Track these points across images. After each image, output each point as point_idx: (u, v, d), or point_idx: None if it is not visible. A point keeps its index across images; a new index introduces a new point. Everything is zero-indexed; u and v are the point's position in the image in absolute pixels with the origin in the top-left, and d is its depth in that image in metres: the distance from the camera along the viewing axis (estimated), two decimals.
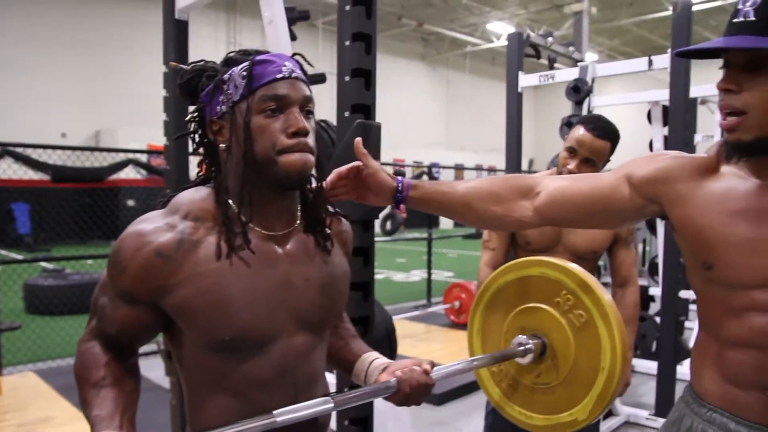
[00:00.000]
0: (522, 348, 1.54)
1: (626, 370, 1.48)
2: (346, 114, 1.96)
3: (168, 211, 1.08)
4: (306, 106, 1.09)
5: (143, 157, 8.38)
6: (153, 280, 1.03)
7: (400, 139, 22.07)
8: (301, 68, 1.13)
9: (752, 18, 0.98)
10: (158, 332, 1.14)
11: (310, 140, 1.08)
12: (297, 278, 1.12)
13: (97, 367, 1.09)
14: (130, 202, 13.36)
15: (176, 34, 2.57)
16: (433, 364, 1.25)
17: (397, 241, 16.12)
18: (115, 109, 16.16)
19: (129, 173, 8.90)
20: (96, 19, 16.29)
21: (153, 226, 1.05)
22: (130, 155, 6.69)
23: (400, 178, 1.30)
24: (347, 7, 1.95)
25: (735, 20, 1.01)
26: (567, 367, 1.51)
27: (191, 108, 1.16)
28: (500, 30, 20.32)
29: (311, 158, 1.08)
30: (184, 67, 1.16)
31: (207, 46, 17.39)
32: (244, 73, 1.06)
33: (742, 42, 1.00)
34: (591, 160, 2.08)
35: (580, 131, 2.08)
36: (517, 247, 2.31)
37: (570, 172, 2.08)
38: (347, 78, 1.97)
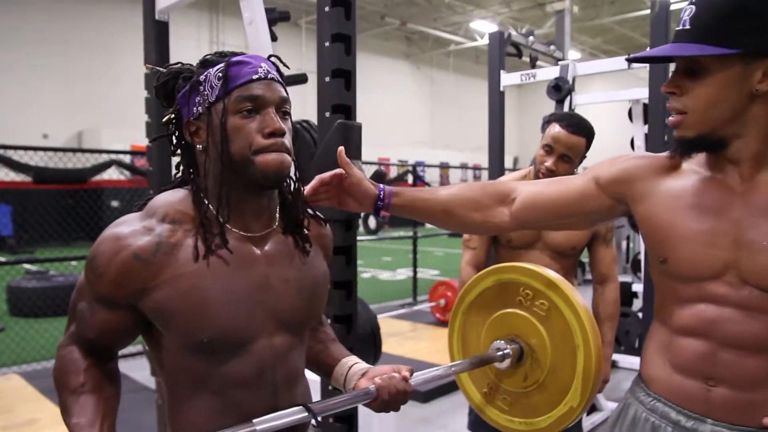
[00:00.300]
0: (500, 353, 1.58)
1: (604, 365, 1.52)
2: (327, 114, 1.98)
3: (145, 214, 1.08)
4: (282, 106, 1.09)
5: (126, 158, 8.33)
6: (131, 284, 1.03)
7: (384, 138, 22.09)
8: (278, 69, 1.14)
9: (688, 27, 1.05)
10: (137, 335, 1.14)
11: (287, 140, 1.08)
12: (276, 279, 1.12)
13: (77, 373, 1.09)
14: (114, 203, 13.26)
15: (157, 35, 2.57)
16: (411, 371, 1.27)
17: (383, 240, 16.14)
18: (97, 110, 16.03)
19: (112, 174, 8.84)
20: (77, 19, 16.15)
21: (130, 230, 1.04)
22: (113, 156, 6.65)
23: (381, 186, 1.33)
24: (326, 8, 1.97)
25: (677, 28, 1.08)
26: (547, 359, 1.55)
27: (169, 110, 1.16)
28: (483, 28, 20.40)
29: (288, 158, 1.08)
30: (161, 69, 1.16)
31: (190, 46, 17.29)
32: (220, 74, 1.06)
33: (670, 50, 1.08)
34: (567, 157, 2.12)
35: (555, 129, 2.12)
36: (498, 245, 2.33)
37: (548, 169, 2.12)
38: (327, 78, 1.99)
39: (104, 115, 15.93)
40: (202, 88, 1.08)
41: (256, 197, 1.11)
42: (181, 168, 1.18)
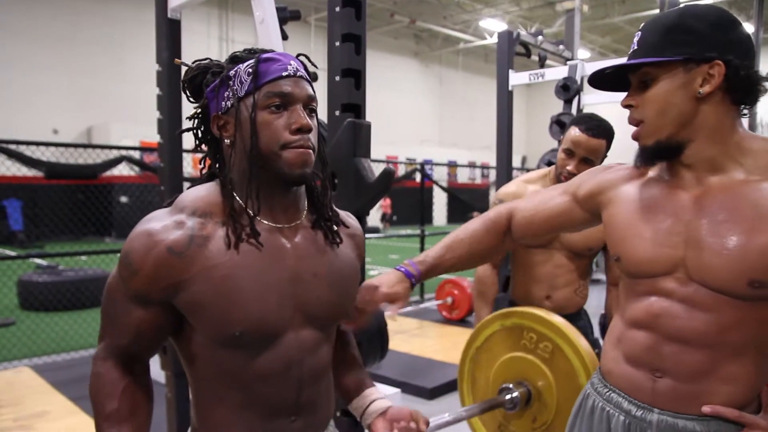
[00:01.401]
0: (508, 396, 1.66)
1: None
2: (337, 113, 2.00)
3: (173, 209, 1.09)
4: (309, 104, 1.11)
5: (136, 154, 8.38)
6: (167, 278, 1.04)
7: (393, 136, 22.10)
8: (305, 68, 1.16)
9: (635, 47, 1.20)
10: (169, 334, 1.15)
11: (313, 137, 1.10)
12: (305, 272, 1.13)
13: (111, 396, 1.10)
14: (124, 199, 13.34)
15: (169, 33, 2.59)
16: (427, 423, 1.32)
17: (391, 238, 16.17)
18: (107, 106, 16.13)
19: (122, 170, 8.90)
20: (88, 16, 16.25)
21: (161, 225, 1.06)
22: (124, 152, 6.71)
23: (408, 272, 1.48)
24: (337, 9, 1.99)
25: (630, 53, 1.22)
26: (554, 401, 1.62)
27: (195, 104, 1.18)
28: (493, 27, 20.37)
29: (312, 155, 1.10)
30: (189, 64, 1.18)
31: (199, 42, 17.37)
32: (250, 70, 1.08)
33: (617, 64, 1.21)
34: (588, 159, 2.12)
35: (575, 132, 2.12)
36: None
37: (569, 173, 2.13)
38: (338, 78, 2.01)
39: (113, 111, 16.02)
40: (231, 82, 1.09)
41: (283, 191, 1.12)
42: (207, 162, 1.20)
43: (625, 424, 1.25)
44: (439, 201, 20.03)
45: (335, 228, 1.22)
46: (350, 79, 2.00)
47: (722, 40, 1.12)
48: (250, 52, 1.13)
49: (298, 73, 1.11)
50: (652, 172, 1.29)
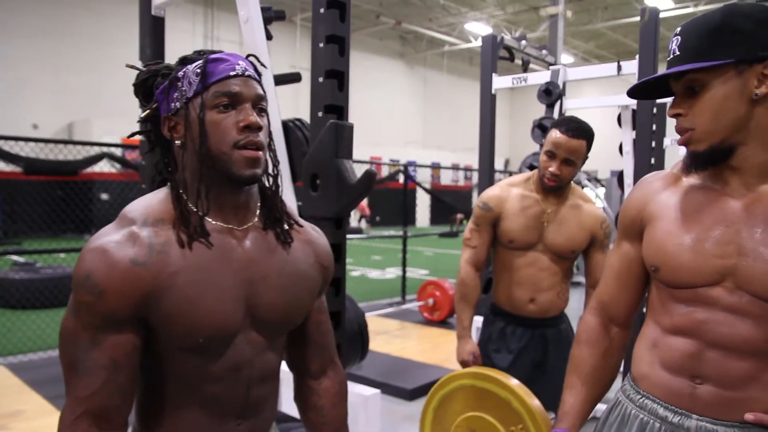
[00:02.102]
0: None
1: None
2: (320, 114, 2.01)
3: (121, 223, 1.06)
4: (259, 103, 1.10)
5: (118, 151, 8.30)
6: (137, 292, 1.00)
7: (376, 137, 22.11)
8: (255, 69, 1.15)
9: (678, 53, 1.13)
10: (139, 363, 1.07)
11: (262, 136, 1.09)
12: (256, 275, 1.12)
13: None
14: (104, 196, 13.21)
15: (152, 30, 2.59)
16: None
17: (373, 239, 16.18)
18: (89, 101, 15.96)
19: (103, 167, 8.82)
20: (72, 10, 16.08)
21: (116, 241, 1.02)
22: (105, 149, 6.64)
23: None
24: (321, 10, 2.00)
25: (668, 59, 1.16)
26: None
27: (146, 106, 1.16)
28: (478, 30, 20.46)
29: (262, 155, 1.09)
30: (139, 67, 1.18)
31: (184, 40, 17.26)
32: (198, 70, 1.07)
33: (665, 72, 1.15)
34: (570, 160, 2.17)
35: (555, 134, 2.16)
36: (498, 245, 2.37)
37: (552, 174, 2.18)
38: (321, 79, 2.01)
39: (95, 106, 15.86)
40: (180, 84, 1.09)
41: (234, 192, 1.11)
42: (159, 166, 1.17)
43: (660, 431, 1.21)
44: (423, 202, 20.05)
45: (286, 228, 1.20)
46: (333, 81, 2.00)
47: None
48: (200, 54, 1.12)
49: (247, 73, 1.10)
50: (691, 179, 1.24)
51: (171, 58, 1.24)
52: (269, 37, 2.29)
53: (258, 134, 1.08)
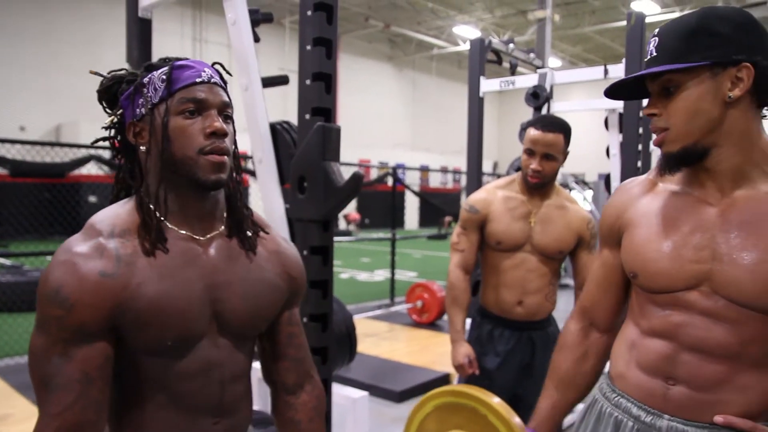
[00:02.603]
0: None
1: None
2: (307, 117, 2.01)
3: (87, 235, 1.06)
4: (224, 110, 1.11)
5: (106, 153, 8.24)
6: (107, 303, 1.01)
7: (365, 140, 22.13)
8: (220, 76, 1.16)
9: (655, 54, 1.15)
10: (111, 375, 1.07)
11: (228, 142, 1.10)
12: (220, 282, 1.13)
13: None
14: (92, 198, 13.12)
15: (139, 32, 2.58)
16: None
17: (362, 241, 16.17)
18: (76, 103, 15.84)
19: (91, 169, 8.76)
20: (61, 12, 15.97)
21: (83, 253, 1.02)
22: (92, 151, 6.61)
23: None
24: (309, 13, 2.00)
25: (646, 60, 1.18)
26: None
27: (110, 113, 1.17)
28: (466, 34, 20.52)
29: (227, 160, 1.10)
30: (102, 74, 1.18)
31: (173, 42, 17.20)
32: (164, 77, 1.08)
33: (641, 73, 1.16)
34: (549, 155, 2.22)
35: (532, 131, 2.23)
36: (486, 247, 2.39)
37: (534, 171, 2.23)
38: (308, 82, 2.02)
39: (83, 108, 15.74)
40: (145, 90, 1.10)
41: (198, 198, 1.12)
42: (123, 173, 1.18)
43: (633, 430, 1.23)
44: (411, 205, 20.10)
45: (250, 235, 1.20)
46: (321, 83, 2.01)
47: (748, 42, 1.08)
48: (165, 61, 1.13)
49: (212, 80, 1.11)
50: (668, 184, 1.26)
51: None
52: (257, 39, 2.30)
53: (224, 140, 1.09)
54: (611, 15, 18.82)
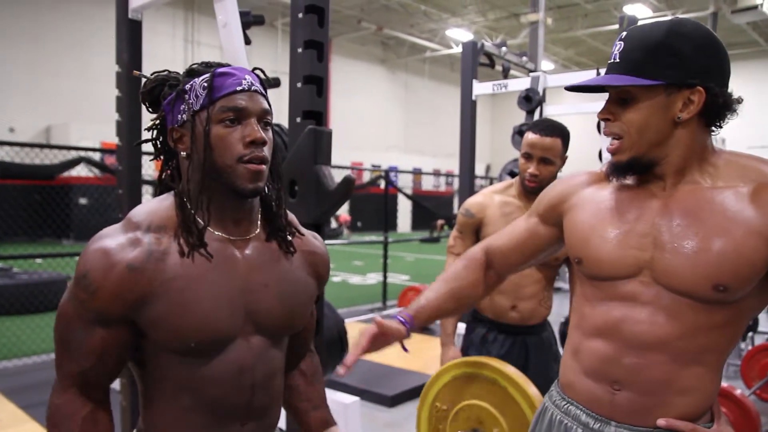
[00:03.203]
0: None
1: None
2: (298, 120, 2.00)
3: (126, 226, 1.10)
4: (264, 118, 1.13)
5: (96, 155, 8.19)
6: (129, 296, 1.04)
7: (358, 142, 22.12)
8: (261, 82, 1.18)
9: (618, 60, 1.17)
10: (128, 355, 1.14)
11: (266, 151, 1.12)
12: (255, 283, 1.15)
13: (71, 430, 1.08)
14: (83, 200, 13.06)
15: (129, 34, 2.55)
16: None
17: (355, 244, 16.16)
18: (67, 105, 15.78)
19: (81, 171, 8.71)
20: (49, 13, 15.88)
21: (117, 243, 1.06)
22: (82, 153, 6.57)
23: (403, 319, 1.48)
24: (300, 15, 1.99)
25: (609, 62, 1.20)
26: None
27: (153, 116, 1.19)
28: (459, 36, 20.57)
29: (265, 169, 1.12)
30: (147, 76, 1.19)
31: (164, 43, 17.13)
32: (205, 84, 1.10)
33: (604, 80, 1.18)
34: (547, 159, 2.21)
35: (530, 135, 2.22)
36: None
37: (531, 175, 2.22)
38: (299, 84, 2.00)
39: (74, 110, 15.68)
40: (187, 96, 1.11)
41: (236, 203, 1.14)
42: (164, 174, 1.21)
43: None
44: (404, 208, 20.11)
45: (290, 239, 1.23)
46: (312, 86, 1.99)
47: (705, 66, 1.12)
48: (207, 66, 1.15)
49: (253, 88, 1.13)
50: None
51: (151, 61, 1.24)
52: (248, 41, 2.28)
53: (263, 149, 1.11)
54: (604, 18, 18.91)
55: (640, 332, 1.18)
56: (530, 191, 2.28)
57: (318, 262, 1.31)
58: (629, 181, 1.27)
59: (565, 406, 1.32)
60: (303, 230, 1.31)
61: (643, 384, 1.19)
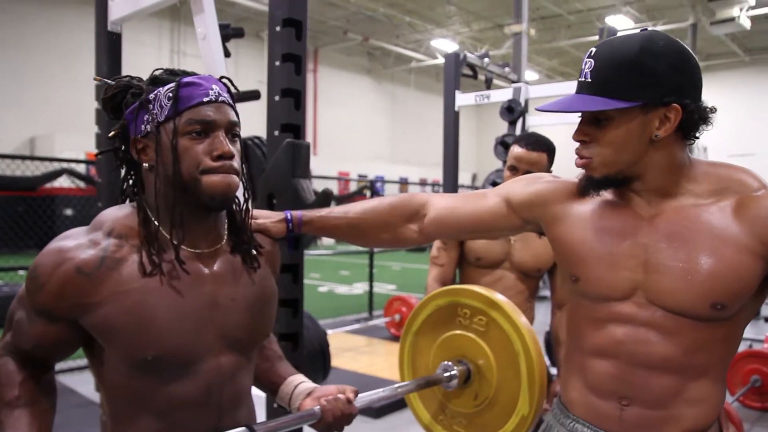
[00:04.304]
0: (447, 374, 1.63)
1: (541, 360, 1.57)
2: (276, 133, 1.99)
3: (91, 228, 1.08)
4: (232, 129, 1.10)
5: (80, 167, 8.13)
6: (72, 298, 1.02)
7: (344, 152, 22.12)
8: (229, 91, 1.15)
9: (589, 80, 1.15)
10: (75, 350, 1.13)
11: (235, 163, 1.09)
12: (223, 298, 1.12)
13: (11, 385, 1.08)
14: (68, 212, 12.93)
15: (109, 47, 2.55)
16: (356, 392, 1.30)
17: (342, 254, 16.13)
18: (51, 116, 15.63)
19: (66, 182, 8.64)
20: (35, 22, 15.77)
21: (75, 243, 1.04)
22: (65, 165, 6.52)
23: (290, 217, 1.38)
24: (277, 28, 1.99)
25: (579, 79, 1.18)
26: (494, 375, 1.60)
27: (115, 125, 1.15)
28: (444, 47, 20.62)
29: (235, 180, 1.09)
30: (109, 81, 1.15)
31: (150, 54, 17.06)
32: (170, 95, 1.06)
33: (579, 105, 1.16)
34: (532, 173, 2.21)
35: (516, 149, 2.25)
36: (465, 263, 2.40)
37: None
38: (277, 98, 2.00)
39: (58, 121, 15.54)
40: (151, 106, 1.07)
41: (203, 216, 1.11)
42: (125, 184, 1.17)
43: None
44: None
45: (254, 252, 1.21)
46: (290, 99, 1.99)
47: (680, 83, 1.11)
48: (172, 74, 1.11)
49: (220, 98, 1.10)
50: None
51: (137, 73, 1.21)
52: (227, 54, 2.28)
53: (231, 161, 1.08)
54: (586, 29, 19.07)
55: (644, 352, 1.17)
56: None
57: (274, 259, 1.30)
58: (608, 195, 1.25)
59: (571, 424, 1.29)
60: (254, 234, 1.27)
61: (652, 398, 1.18)
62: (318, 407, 1.22)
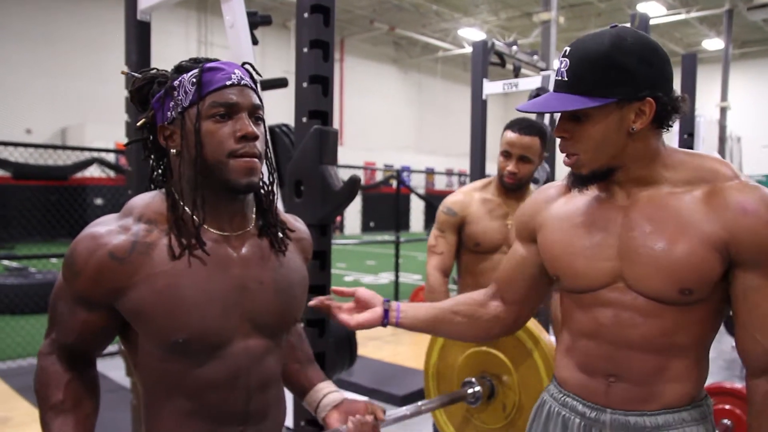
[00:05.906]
0: (471, 391, 1.68)
1: (552, 347, 1.62)
2: (304, 119, 1.99)
3: (122, 214, 1.10)
4: (255, 112, 1.11)
5: (110, 156, 8.24)
6: (108, 283, 1.05)
7: (371, 142, 22.12)
8: (251, 76, 1.16)
9: (566, 78, 1.19)
10: (114, 337, 1.16)
11: (259, 145, 1.10)
12: (251, 281, 1.13)
13: (57, 388, 1.11)
14: (98, 201, 13.14)
15: (138, 36, 2.57)
16: (383, 413, 1.32)
17: (368, 244, 16.17)
18: (82, 106, 15.90)
19: (93, 172, 8.76)
20: (65, 15, 16.03)
21: (106, 229, 1.06)
22: (95, 154, 6.62)
23: (387, 308, 1.44)
24: (305, 15, 1.99)
25: (556, 78, 1.22)
26: (514, 380, 1.70)
27: (142, 114, 1.18)
28: (471, 36, 20.48)
29: (257, 163, 1.10)
30: (136, 74, 1.18)
31: (178, 44, 17.22)
32: (194, 80, 1.08)
33: (558, 105, 1.18)
34: (525, 157, 2.26)
35: (508, 134, 2.27)
36: (464, 249, 2.41)
37: (510, 172, 2.27)
38: (305, 84, 2.00)
39: (89, 111, 15.80)
40: (176, 93, 1.10)
41: (230, 199, 1.13)
42: (155, 173, 1.19)
43: (580, 426, 1.31)
44: (417, 207, 20.06)
45: (281, 235, 1.22)
46: (317, 86, 1.99)
47: (651, 77, 1.15)
48: (196, 62, 1.13)
49: (243, 82, 1.11)
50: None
51: (164, 63, 1.24)
52: (255, 41, 2.28)
53: (254, 143, 1.09)
54: (617, 17, 18.75)
55: (626, 334, 1.24)
56: (509, 188, 2.33)
57: (306, 247, 1.32)
58: (593, 190, 1.30)
59: (563, 399, 1.36)
60: (284, 216, 1.29)
61: (636, 376, 1.25)
62: (344, 427, 1.27)
